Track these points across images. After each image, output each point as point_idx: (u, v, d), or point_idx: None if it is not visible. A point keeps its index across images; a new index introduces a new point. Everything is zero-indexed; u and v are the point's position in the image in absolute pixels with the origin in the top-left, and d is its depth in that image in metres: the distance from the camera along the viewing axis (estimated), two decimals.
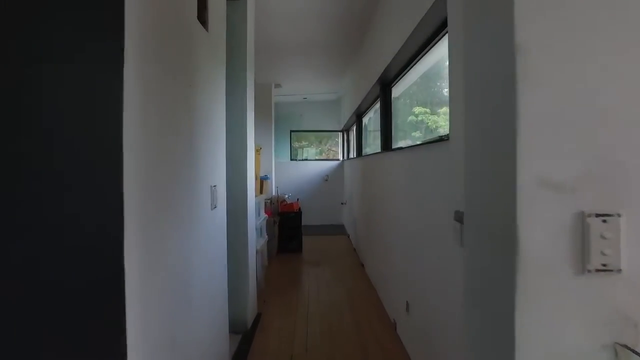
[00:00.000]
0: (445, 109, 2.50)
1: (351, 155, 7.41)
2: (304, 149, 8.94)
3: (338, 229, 7.39)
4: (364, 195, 4.85)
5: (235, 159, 2.97)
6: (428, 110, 3.06)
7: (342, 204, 7.46)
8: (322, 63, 5.58)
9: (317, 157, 8.94)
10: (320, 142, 9.09)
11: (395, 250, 3.01)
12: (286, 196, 6.00)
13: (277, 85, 6.88)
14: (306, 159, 8.77)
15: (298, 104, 8.51)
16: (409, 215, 2.57)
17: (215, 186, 1.94)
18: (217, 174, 2.03)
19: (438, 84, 2.87)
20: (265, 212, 5.32)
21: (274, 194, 6.04)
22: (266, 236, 4.14)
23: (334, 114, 8.49)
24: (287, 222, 5.43)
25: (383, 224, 3.47)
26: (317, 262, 4.97)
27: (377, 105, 4.87)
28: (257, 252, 3.48)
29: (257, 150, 3.79)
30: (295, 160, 8.47)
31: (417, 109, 3.16)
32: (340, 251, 5.59)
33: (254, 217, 3.31)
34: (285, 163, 8.01)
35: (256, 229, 3.46)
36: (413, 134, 3.22)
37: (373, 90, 4.23)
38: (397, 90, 3.85)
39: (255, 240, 3.38)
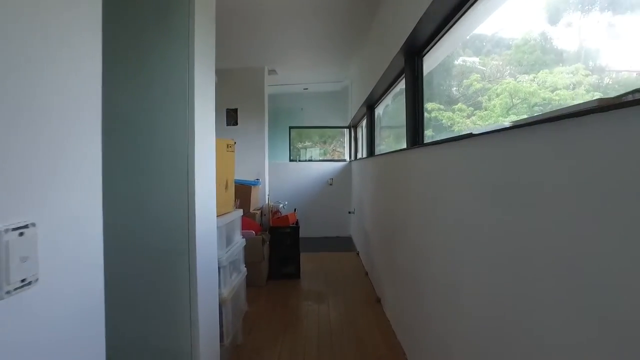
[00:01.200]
0: (460, 106, 2.18)
1: (360, 155, 6.24)
2: (307, 149, 7.79)
3: (345, 243, 6.21)
4: (378, 204, 3.68)
5: (167, 162, 1.80)
6: (441, 106, 2.56)
7: (349, 212, 6.29)
8: (326, 40, 4.43)
9: (320, 158, 7.78)
10: (325, 142, 7.92)
11: (435, 290, 1.84)
12: (280, 205, 4.85)
13: (272, 72, 5.73)
14: (310, 160, 7.61)
15: (298, 96, 7.35)
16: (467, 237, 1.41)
17: (21, 230, 0.77)
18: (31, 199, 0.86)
19: (447, 81, 2.55)
20: (252, 227, 4.16)
21: (266, 202, 4.90)
22: (244, 269, 2.98)
23: (340, 108, 7.32)
24: (280, 240, 4.28)
25: (416, 248, 2.30)
26: (319, 295, 3.81)
27: (396, 89, 3.70)
28: (224, 300, 2.32)
29: (229, 146, 2.63)
30: (296, 161, 7.33)
31: (429, 105, 2.62)
32: (348, 276, 4.42)
33: (214, 250, 2.14)
34: (282, 164, 6.84)
35: (221, 266, 2.29)
36: (426, 132, 2.60)
37: (394, 65, 3.06)
38: (430, 61, 2.68)
39: (218, 284, 2.23)
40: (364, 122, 6.09)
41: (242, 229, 4.04)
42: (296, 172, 6.68)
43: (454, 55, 2.42)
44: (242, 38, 4.43)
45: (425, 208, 2.10)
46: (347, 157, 7.50)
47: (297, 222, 4.56)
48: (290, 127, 7.44)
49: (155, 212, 1.75)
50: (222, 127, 5.45)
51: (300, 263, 4.34)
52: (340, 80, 6.52)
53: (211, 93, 2.07)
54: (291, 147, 7.46)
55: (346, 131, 7.62)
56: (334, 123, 7.41)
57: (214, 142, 2.10)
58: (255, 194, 4.75)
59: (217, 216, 2.25)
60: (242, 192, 4.55)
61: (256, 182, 4.77)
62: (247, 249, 3.88)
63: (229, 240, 2.60)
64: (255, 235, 3.99)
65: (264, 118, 5.45)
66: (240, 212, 2.97)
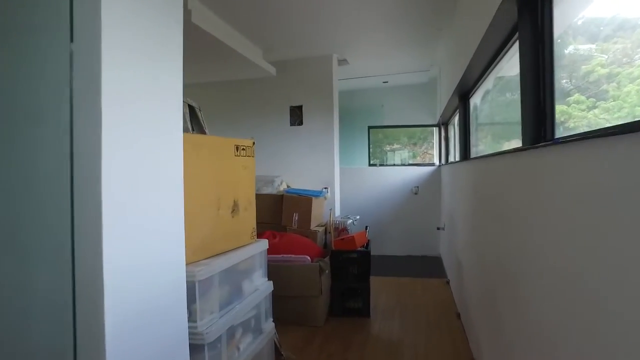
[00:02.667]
0: (577, 97, 1.60)
1: (452, 158, 5.09)
2: (396, 152, 6.77)
3: (432, 266, 5.10)
4: (474, 224, 2.60)
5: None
6: None
7: (438, 228, 5.16)
8: (405, 18, 3.45)
9: (406, 162, 6.72)
10: (415, 144, 6.83)
11: None
12: (350, 221, 3.95)
13: (342, 62, 4.86)
14: (393, 164, 6.60)
15: (377, 91, 6.38)
16: None
17: None
18: None
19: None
20: (308, 251, 3.32)
21: (331, 218, 4.05)
22: (270, 326, 2.14)
23: (427, 103, 6.20)
24: (344, 268, 3.38)
25: (543, 309, 1.24)
26: (391, 345, 2.83)
27: (499, 72, 2.59)
28: None
29: (240, 148, 1.83)
30: (376, 165, 6.37)
31: None
32: (434, 317, 3.36)
33: (175, 325, 1.32)
34: (357, 171, 5.92)
35: (206, 342, 1.46)
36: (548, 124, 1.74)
37: (499, 23, 2.00)
38: (563, 20, 1.59)
39: None
40: (456, 118, 4.93)
41: (295, 253, 3.23)
42: (374, 179, 5.71)
43: (561, 44, 1.58)
44: (303, 20, 3.65)
45: (575, 247, 1.06)
46: (436, 161, 6.34)
47: (368, 244, 3.62)
48: (370, 127, 6.50)
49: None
50: (285, 128, 4.74)
51: (370, 296, 3.40)
52: (425, 68, 5.42)
53: (171, 46, 1.26)
54: (370, 150, 6.52)
55: (435, 130, 6.46)
56: (420, 121, 6.30)
57: (178, 137, 1.29)
58: (318, 207, 3.92)
59: (207, 257, 1.46)
60: (301, 205, 3.75)
61: (319, 193, 3.93)
62: (299, 279, 3.06)
63: (234, 292, 1.77)
64: (312, 261, 3.15)
65: (332, 116, 4.62)
66: (263, 243, 2.13)
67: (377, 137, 6.84)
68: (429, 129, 6.56)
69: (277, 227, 3.86)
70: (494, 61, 2.61)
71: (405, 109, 6.30)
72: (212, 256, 1.57)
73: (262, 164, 4.86)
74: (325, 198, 4.50)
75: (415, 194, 5.52)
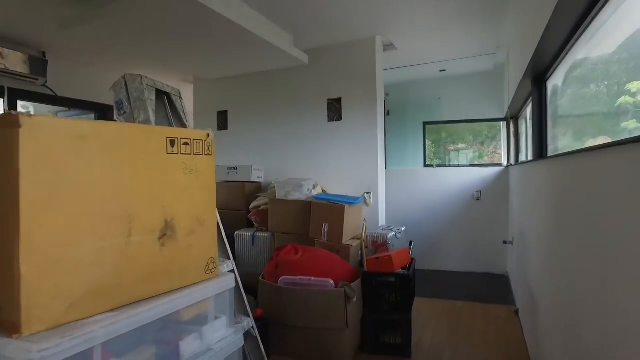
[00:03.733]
0: None
1: (523, 158, 4.19)
2: (460, 152, 5.91)
3: (496, 287, 4.22)
4: (557, 245, 1.82)
5: None
6: None
7: (504, 243, 4.26)
8: None
9: (470, 163, 5.83)
10: (482, 143, 5.91)
11: None
12: (392, 234, 3.25)
13: (389, 47, 4.15)
14: (458, 165, 5.76)
15: (433, 81, 5.55)
16: None
17: None
18: None
19: None
20: (335, 272, 2.69)
21: (364, 231, 3.38)
22: None
23: (492, 93, 5.27)
24: (379, 294, 2.72)
25: None
26: None
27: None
28: None
29: (197, 142, 1.27)
30: (432, 167, 5.55)
31: (634, 85, 1.48)
32: None
33: None
34: (409, 172, 5.15)
35: None
36: (624, 124, 1.51)
37: None
38: None
39: None
40: (529, 109, 4.02)
41: (319, 274, 2.62)
42: (429, 182, 4.92)
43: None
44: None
45: None
46: (503, 161, 5.38)
47: (411, 265, 2.91)
48: (425, 123, 5.69)
49: None
50: (322, 124, 4.14)
51: (411, 330, 2.69)
52: (490, 51, 4.53)
53: None
54: (426, 149, 5.71)
55: (502, 125, 5.50)
56: (484, 114, 5.39)
57: None
58: (353, 216, 3.28)
59: (104, 311, 0.91)
60: (331, 214, 3.14)
61: (355, 200, 3.28)
62: (320, 308, 2.47)
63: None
64: (337, 285, 2.52)
65: (376, 109, 3.94)
66: (227, 280, 1.51)
67: (439, 137, 6.01)
68: (497, 125, 5.61)
69: (304, 239, 3.28)
70: (579, 28, 1.80)
71: (467, 101, 5.42)
72: (120, 307, 1.03)
73: (296, 165, 4.32)
74: (367, 204, 3.84)
75: (478, 199, 4.65)
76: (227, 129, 4.68)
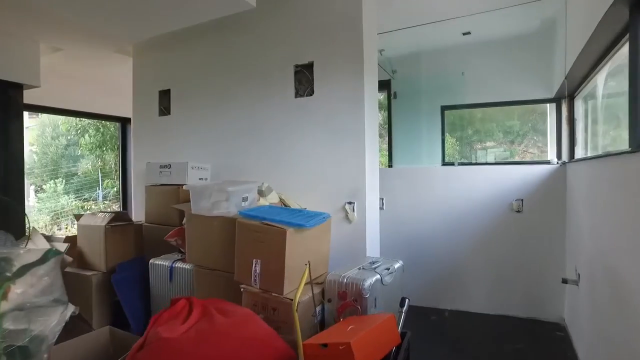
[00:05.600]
0: None
1: (583, 152, 2.71)
2: (489, 151, 4.41)
3: (545, 343, 2.74)
4: None
5: None
6: None
7: (565, 281, 2.73)
8: None
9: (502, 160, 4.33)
10: (512, 142, 4.35)
11: None
12: (374, 279, 1.84)
13: None
14: (484, 163, 4.27)
15: (454, 50, 4.07)
16: None
17: None
18: None
19: None
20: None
21: (305, 276, 1.99)
22: None
23: (535, 65, 3.76)
24: None
25: None
26: None
27: None
28: None
29: None
30: (452, 164, 4.08)
31: None
32: None
33: None
34: (424, 172, 3.68)
35: None
36: None
37: None
38: None
39: None
40: (600, 80, 2.54)
41: None
42: (448, 187, 3.44)
43: None
44: None
45: None
46: (551, 157, 3.84)
47: (399, 350, 1.50)
48: (444, 108, 4.22)
49: None
50: (288, 102, 2.78)
51: None
52: (538, 5, 3.05)
53: None
54: (445, 142, 4.24)
55: (549, 108, 3.96)
56: (524, 94, 3.87)
57: None
58: (309, 246, 1.90)
59: None
60: (265, 244, 1.78)
61: (312, 219, 1.89)
62: None
63: None
64: None
65: (362, 80, 2.55)
66: None
67: (464, 133, 4.52)
68: (530, 117, 4.09)
69: (227, 281, 1.94)
70: None
71: (499, 77, 3.92)
72: None
73: (253, 162, 2.97)
74: (348, 221, 2.47)
75: (518, 211, 3.16)
76: (169, 113, 3.39)
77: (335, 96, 2.60)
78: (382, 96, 4.60)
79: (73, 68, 4.05)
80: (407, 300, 1.61)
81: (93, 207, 7.89)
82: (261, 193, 2.41)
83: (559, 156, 3.70)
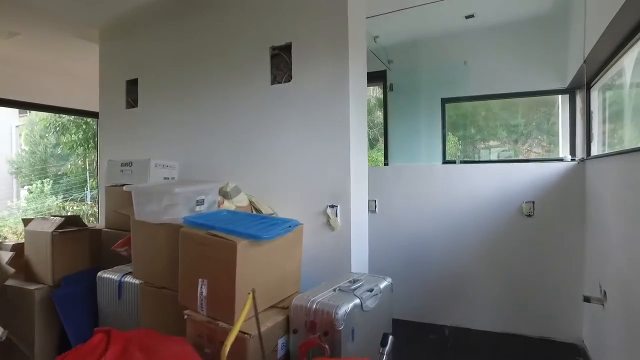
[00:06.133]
0: None
1: (598, 147, 2.32)
2: (492, 150, 4.00)
3: None
4: None
5: None
6: None
7: (586, 300, 2.33)
8: None
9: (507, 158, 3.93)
10: (516, 141, 3.92)
11: None
12: (352, 304, 1.46)
13: None
14: (487, 160, 3.87)
15: (455, 37, 3.66)
16: None
17: None
18: None
19: None
20: None
21: (248, 306, 1.61)
22: None
23: (546, 52, 3.35)
24: None
25: None
26: None
27: None
28: None
29: None
30: (454, 163, 3.68)
31: None
32: None
33: None
34: (422, 171, 3.26)
35: None
36: None
37: None
38: None
39: None
40: (629, 62, 2.13)
41: None
42: (450, 187, 3.03)
43: None
44: None
45: None
46: (563, 154, 3.44)
47: None
48: (444, 101, 3.83)
49: None
50: (263, 90, 2.40)
51: None
52: None
53: None
54: (446, 138, 3.84)
55: (561, 101, 3.55)
56: (533, 85, 3.47)
57: None
58: (270, 263, 1.52)
59: None
60: (214, 260, 1.39)
61: (273, 228, 1.50)
62: None
63: None
64: None
65: (346, 65, 2.16)
66: None
67: (467, 132, 4.12)
68: (534, 115, 3.67)
69: (175, 302, 1.56)
70: None
71: (506, 65, 3.51)
72: None
73: (224, 159, 2.59)
74: (331, 227, 2.09)
75: (529, 215, 2.75)
76: (137, 106, 3.01)
77: (316, 84, 2.22)
78: (377, 90, 4.21)
79: (35, 56, 3.67)
80: (390, 338, 1.22)
81: (83, 208, 7.56)
82: (226, 195, 2.03)
83: (572, 153, 3.30)
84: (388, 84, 3.93)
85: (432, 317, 2.99)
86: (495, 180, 2.83)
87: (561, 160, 3.06)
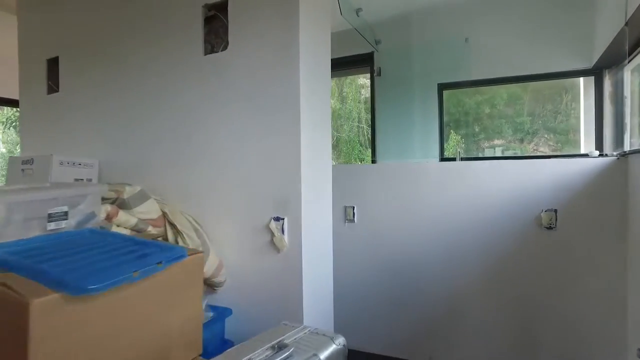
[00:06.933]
0: None
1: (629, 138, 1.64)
2: (497, 149, 3.34)
3: None
4: None
5: None
6: None
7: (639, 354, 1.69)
8: None
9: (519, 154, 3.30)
10: (522, 140, 3.24)
11: None
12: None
13: None
14: (494, 157, 3.21)
15: (454, 10, 3.04)
16: None
17: None
18: None
19: None
20: None
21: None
22: None
23: (569, 25, 2.72)
24: None
25: None
26: None
27: None
28: None
29: None
30: (454, 159, 3.05)
31: None
32: None
33: None
34: (413, 169, 2.59)
35: None
36: None
37: None
38: None
39: None
40: None
41: None
42: (447, 190, 2.37)
43: None
44: None
45: None
46: (584, 148, 2.79)
47: None
48: (442, 86, 3.19)
49: None
50: (195, 61, 1.78)
51: None
52: None
53: None
54: (442, 130, 3.20)
55: (583, 84, 2.91)
56: (548, 66, 2.83)
57: None
58: (139, 316, 0.89)
59: None
60: None
61: (126, 265, 0.90)
62: None
63: None
64: None
65: (296, 27, 1.55)
66: None
67: (470, 130, 3.48)
68: (540, 110, 3.02)
69: None
70: None
71: (515, 43, 2.87)
72: None
73: (153, 154, 1.98)
74: (277, 248, 1.48)
75: (549, 228, 2.08)
76: (58, 90, 2.41)
77: (258, 55, 1.60)
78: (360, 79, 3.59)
79: None
80: None
81: None
82: (123, 204, 1.41)
83: (599, 147, 2.65)
84: (375, 68, 3.30)
85: (422, 355, 2.35)
86: (506, 181, 2.18)
87: (586, 156, 2.42)
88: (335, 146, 6.00)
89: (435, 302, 2.30)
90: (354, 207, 2.46)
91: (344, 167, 2.91)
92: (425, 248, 2.34)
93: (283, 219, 1.50)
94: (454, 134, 3.49)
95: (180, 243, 1.45)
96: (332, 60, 1.80)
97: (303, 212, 1.48)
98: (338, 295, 1.83)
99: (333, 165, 1.88)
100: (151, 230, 1.45)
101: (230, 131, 1.64)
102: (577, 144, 3.11)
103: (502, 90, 3.28)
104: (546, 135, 3.44)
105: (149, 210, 1.48)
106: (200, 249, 1.45)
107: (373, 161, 3.31)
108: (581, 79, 2.85)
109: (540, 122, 3.26)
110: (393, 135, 3.28)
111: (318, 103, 1.63)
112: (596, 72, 2.66)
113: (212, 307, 1.59)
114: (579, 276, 2.00)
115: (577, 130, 3.09)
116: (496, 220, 2.15)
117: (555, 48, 2.72)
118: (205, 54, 1.75)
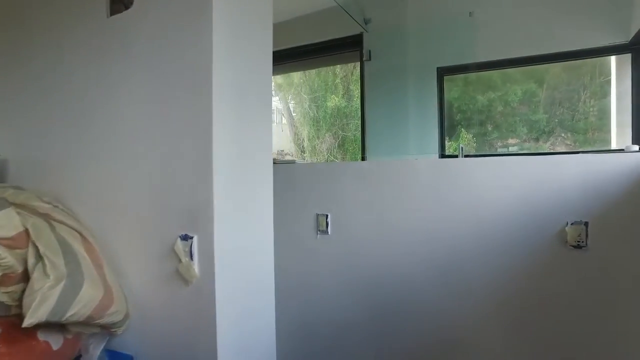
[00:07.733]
0: None
1: None
2: (510, 149, 2.84)
3: None
4: None
5: None
6: None
7: None
8: None
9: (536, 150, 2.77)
10: (537, 139, 2.70)
11: None
12: None
13: None
14: (504, 153, 2.70)
15: None
16: None
17: None
18: None
19: None
20: None
21: None
22: None
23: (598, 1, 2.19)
24: None
25: None
26: None
27: None
28: None
29: None
30: (457, 156, 2.54)
31: None
32: None
33: None
34: (408, 169, 2.09)
35: None
36: None
37: None
38: None
39: None
40: None
41: None
42: (446, 195, 1.87)
43: None
44: None
45: None
46: (619, 143, 2.25)
47: None
48: (442, 71, 2.68)
49: None
50: (98, 25, 1.35)
51: None
52: None
53: None
54: (442, 121, 2.68)
55: (615, 64, 2.36)
56: (573, 43, 2.29)
57: None
58: None
59: None
60: None
61: None
62: None
63: None
64: None
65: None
66: None
67: (482, 129, 2.95)
68: (555, 108, 2.48)
69: None
70: None
71: (529, 16, 2.35)
72: None
73: (47, 149, 1.54)
74: (183, 278, 1.02)
75: (578, 246, 1.56)
76: None
77: (166, 12, 1.14)
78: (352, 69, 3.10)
79: None
80: None
81: None
82: None
83: (637, 141, 2.12)
84: (365, 51, 2.81)
85: None
86: (519, 185, 1.66)
87: (621, 151, 1.89)
88: (341, 145, 5.79)
89: (425, 338, 1.79)
90: (327, 216, 1.97)
91: (312, 167, 2.40)
92: (414, 269, 1.83)
93: (192, 237, 1.04)
94: (465, 132, 2.99)
95: (38, 272, 0.99)
96: (313, 45, 1.36)
97: (216, 228, 1.01)
98: (305, 332, 1.36)
99: (297, 164, 1.42)
100: (0, 254, 1.00)
101: (134, 115, 1.19)
102: (605, 139, 2.57)
103: (517, 73, 2.75)
104: (563, 135, 2.90)
105: (2, 224, 1.03)
106: (64, 281, 0.99)
107: (363, 158, 2.83)
108: (613, 57, 2.31)
109: (562, 111, 2.72)
110: (386, 129, 2.79)
111: (247, 75, 1.15)
112: (634, 49, 2.12)
113: (110, 354, 1.15)
114: (616, 307, 1.47)
115: (606, 122, 2.55)
116: (506, 235, 1.63)
117: (581, 19, 2.19)
118: (111, 15, 1.30)
